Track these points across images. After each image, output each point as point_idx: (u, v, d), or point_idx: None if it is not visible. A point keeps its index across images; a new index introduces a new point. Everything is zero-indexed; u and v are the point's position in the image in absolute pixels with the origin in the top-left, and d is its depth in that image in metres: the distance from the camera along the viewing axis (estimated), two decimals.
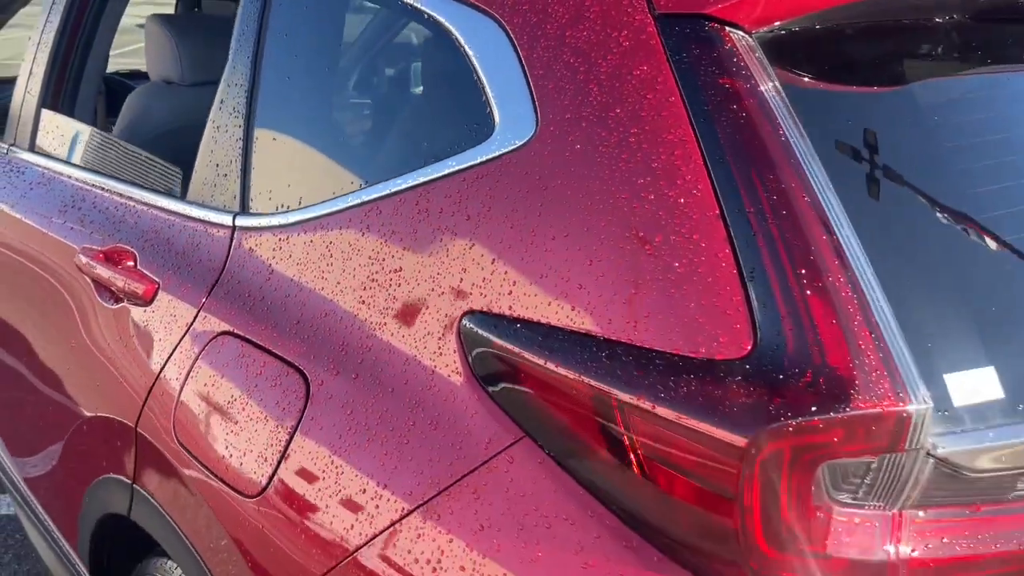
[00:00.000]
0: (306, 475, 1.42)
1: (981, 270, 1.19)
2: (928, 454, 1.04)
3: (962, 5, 1.31)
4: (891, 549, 1.07)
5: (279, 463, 1.46)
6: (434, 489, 1.27)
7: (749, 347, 1.06)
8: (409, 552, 1.27)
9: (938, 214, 1.20)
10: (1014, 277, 1.20)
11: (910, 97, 1.28)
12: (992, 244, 1.20)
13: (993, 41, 1.36)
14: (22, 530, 2.83)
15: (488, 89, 1.36)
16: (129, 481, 1.84)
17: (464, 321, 1.30)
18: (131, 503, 1.84)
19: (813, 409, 1.00)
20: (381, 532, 1.31)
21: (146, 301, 1.83)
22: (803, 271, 1.06)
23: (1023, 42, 1.38)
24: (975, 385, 1.08)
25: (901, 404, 1.01)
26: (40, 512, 2.43)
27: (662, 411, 1.07)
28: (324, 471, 1.40)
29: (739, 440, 1.02)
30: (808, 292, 1.05)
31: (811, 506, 1.05)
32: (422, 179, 1.41)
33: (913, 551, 1.08)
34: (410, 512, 1.28)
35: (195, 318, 1.71)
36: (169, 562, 1.84)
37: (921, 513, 1.08)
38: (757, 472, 1.02)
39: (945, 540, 1.09)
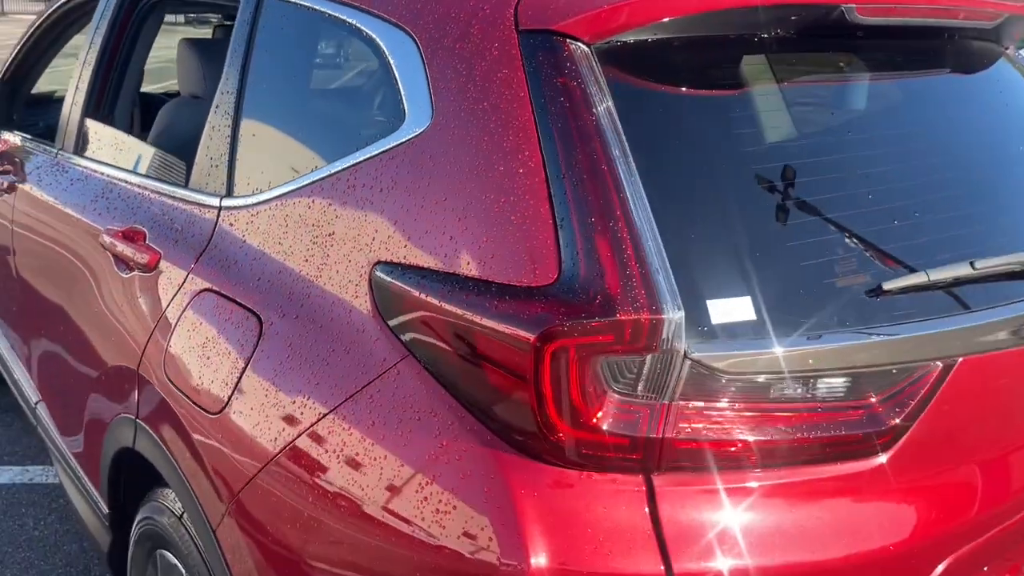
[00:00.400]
0: (255, 393, 1.80)
1: (743, 226, 1.52)
2: (686, 356, 1.38)
3: (777, 23, 1.63)
4: (660, 432, 1.40)
5: (236, 385, 1.83)
6: (343, 397, 1.63)
7: (555, 276, 1.41)
8: (321, 444, 1.64)
9: (718, 183, 1.54)
10: (768, 233, 1.53)
11: (715, 95, 1.62)
12: (756, 208, 1.53)
13: (798, 54, 1.69)
14: (65, 495, 3.18)
15: (402, 89, 1.72)
16: (134, 417, 2.23)
17: (375, 270, 1.66)
18: (135, 435, 2.23)
19: (583, 316, 1.35)
20: (304, 432, 1.68)
21: (150, 269, 2.23)
22: (593, 220, 1.40)
23: (830, 53, 1.71)
24: (729, 308, 1.41)
25: (655, 315, 1.36)
26: (72, 462, 2.83)
27: (488, 323, 1.43)
28: (267, 390, 1.77)
29: (530, 336, 1.37)
30: (596, 235, 1.40)
31: (594, 393, 1.39)
32: (352, 161, 1.77)
33: (678, 435, 1.41)
34: (325, 416, 1.65)
35: (184, 280, 2.10)
36: (167, 490, 2.21)
37: (686, 404, 1.41)
38: (547, 363, 1.37)
39: (703, 427, 1.42)
